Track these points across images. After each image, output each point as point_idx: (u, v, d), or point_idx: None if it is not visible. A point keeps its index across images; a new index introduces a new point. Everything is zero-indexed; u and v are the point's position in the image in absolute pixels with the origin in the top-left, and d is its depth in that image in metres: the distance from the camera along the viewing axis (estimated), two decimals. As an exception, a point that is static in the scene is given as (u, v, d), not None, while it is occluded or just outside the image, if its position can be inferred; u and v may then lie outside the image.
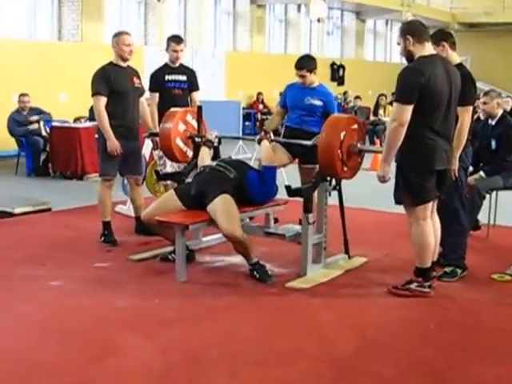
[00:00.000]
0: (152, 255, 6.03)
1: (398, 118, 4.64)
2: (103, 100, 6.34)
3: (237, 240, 5.27)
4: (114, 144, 6.34)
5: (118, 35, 6.47)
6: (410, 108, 4.61)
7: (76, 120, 12.57)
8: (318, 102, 6.44)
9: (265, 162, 5.71)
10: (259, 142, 5.94)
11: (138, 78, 6.67)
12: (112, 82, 6.36)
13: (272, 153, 5.88)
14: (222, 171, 5.63)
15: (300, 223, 5.80)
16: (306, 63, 6.46)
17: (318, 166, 6.43)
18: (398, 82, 4.69)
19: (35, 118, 11.42)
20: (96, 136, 6.55)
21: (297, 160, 6.67)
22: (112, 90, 6.36)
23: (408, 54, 4.85)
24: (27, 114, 11.40)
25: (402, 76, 4.70)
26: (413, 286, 5.02)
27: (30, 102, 11.49)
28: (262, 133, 6.08)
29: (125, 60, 6.49)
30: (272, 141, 6.23)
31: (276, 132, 6.73)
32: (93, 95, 6.40)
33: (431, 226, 4.98)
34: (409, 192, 4.85)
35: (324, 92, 6.56)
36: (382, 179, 4.85)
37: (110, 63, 6.52)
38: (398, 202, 4.99)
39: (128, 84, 6.51)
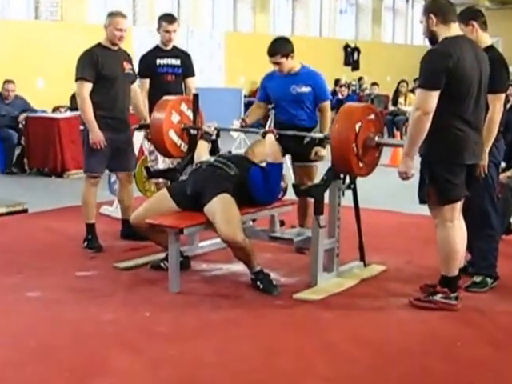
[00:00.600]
0: (141, 263, 6.05)
1: (422, 105, 4.64)
2: (88, 86, 6.38)
3: (237, 245, 5.28)
4: (97, 136, 6.37)
5: (111, 16, 6.50)
6: (435, 94, 4.62)
7: (55, 109, 12.62)
8: (305, 89, 6.30)
9: (270, 159, 5.71)
10: (264, 135, 5.93)
11: (130, 62, 6.70)
12: (100, 66, 6.40)
13: (277, 148, 5.86)
14: (222, 168, 5.64)
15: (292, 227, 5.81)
16: (279, 48, 6.24)
17: (315, 165, 6.41)
18: (423, 65, 4.71)
19: (24, 115, 11.35)
20: (81, 128, 6.55)
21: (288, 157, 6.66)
22: (99, 76, 6.40)
23: (431, 35, 4.86)
24: (10, 104, 11.37)
25: (427, 59, 4.71)
26: (437, 297, 5.03)
27: (15, 91, 11.48)
28: (268, 126, 6.08)
29: (114, 45, 6.52)
30: (278, 135, 6.22)
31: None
32: (76, 80, 6.44)
33: (459, 228, 5.00)
34: (435, 189, 4.86)
35: (310, 74, 6.39)
36: (405, 175, 4.85)
37: (99, 45, 6.56)
38: (422, 201, 4.99)
39: (117, 69, 6.54)
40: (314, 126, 6.39)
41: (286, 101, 6.36)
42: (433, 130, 4.66)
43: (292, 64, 6.30)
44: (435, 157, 4.82)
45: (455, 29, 4.83)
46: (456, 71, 4.63)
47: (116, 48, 6.57)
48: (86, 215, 6.59)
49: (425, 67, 4.70)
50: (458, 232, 4.97)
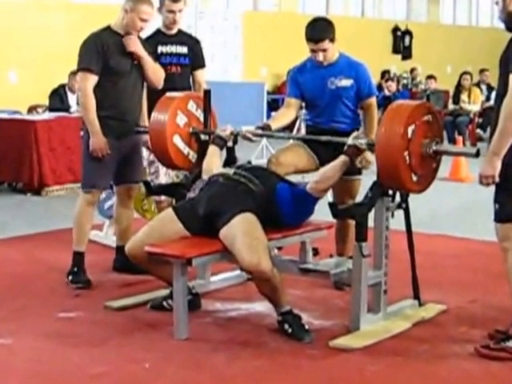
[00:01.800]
0: (139, 301, 6.07)
1: None
2: (92, 79, 6.48)
3: (263, 276, 5.24)
4: (99, 141, 6.44)
5: (136, 1, 6.52)
6: None
7: (31, 110, 12.66)
8: (346, 82, 6.31)
9: (315, 186, 5.64)
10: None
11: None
12: (107, 56, 6.49)
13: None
14: (244, 182, 5.65)
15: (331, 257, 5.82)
16: (325, 31, 6.24)
17: (358, 178, 6.39)
18: None
19: None
20: (81, 133, 6.61)
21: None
22: (104, 68, 6.49)
23: (508, 17, 4.93)
24: None
25: None
26: (511, 343, 5.02)
27: None
28: (296, 130, 6.07)
29: (128, 33, 6.60)
30: (309, 140, 6.19)
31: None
32: (78, 71, 6.56)
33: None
34: None
35: (351, 64, 6.40)
36: (491, 180, 4.87)
37: (108, 28, 6.64)
38: (505, 219, 4.99)
39: (127, 61, 6.62)
40: (356, 129, 6.39)
41: (323, 98, 6.37)
42: None
43: (334, 51, 6.33)
44: None
45: (537, 8, 4.90)
46: None
47: None
48: (77, 241, 6.60)
49: None
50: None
